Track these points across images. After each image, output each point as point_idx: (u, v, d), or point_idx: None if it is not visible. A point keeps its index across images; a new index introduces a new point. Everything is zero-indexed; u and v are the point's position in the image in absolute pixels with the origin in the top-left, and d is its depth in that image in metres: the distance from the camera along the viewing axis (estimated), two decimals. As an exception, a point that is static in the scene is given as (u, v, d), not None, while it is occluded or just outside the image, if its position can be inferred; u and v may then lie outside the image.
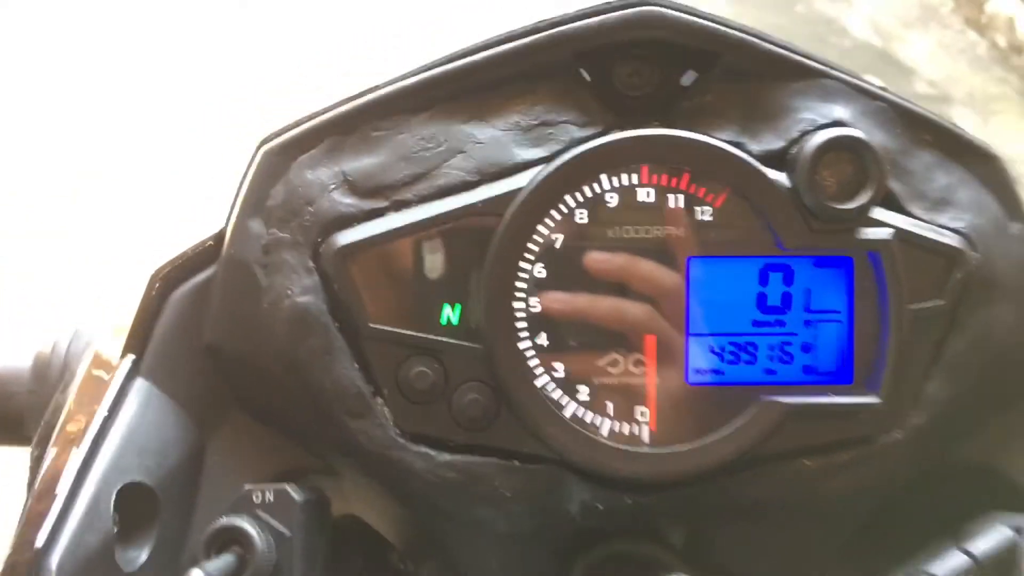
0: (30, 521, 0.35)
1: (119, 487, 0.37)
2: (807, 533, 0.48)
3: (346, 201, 0.41)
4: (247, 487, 0.41)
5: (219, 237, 0.42)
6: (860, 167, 0.42)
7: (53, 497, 0.35)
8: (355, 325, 0.41)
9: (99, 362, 0.41)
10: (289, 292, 0.41)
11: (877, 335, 0.44)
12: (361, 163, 0.41)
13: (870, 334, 0.44)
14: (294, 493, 0.40)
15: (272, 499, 0.40)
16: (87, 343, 0.48)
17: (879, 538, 0.48)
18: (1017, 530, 0.44)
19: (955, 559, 0.44)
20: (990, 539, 0.44)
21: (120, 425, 0.38)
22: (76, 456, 0.36)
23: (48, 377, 0.48)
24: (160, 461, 0.39)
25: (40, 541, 0.35)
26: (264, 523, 0.39)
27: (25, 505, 0.37)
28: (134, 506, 0.38)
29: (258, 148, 0.42)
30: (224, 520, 0.38)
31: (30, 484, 0.41)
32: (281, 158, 0.41)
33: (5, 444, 0.49)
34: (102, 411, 0.38)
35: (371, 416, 0.41)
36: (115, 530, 0.37)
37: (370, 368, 0.41)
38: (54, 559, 0.35)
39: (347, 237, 0.41)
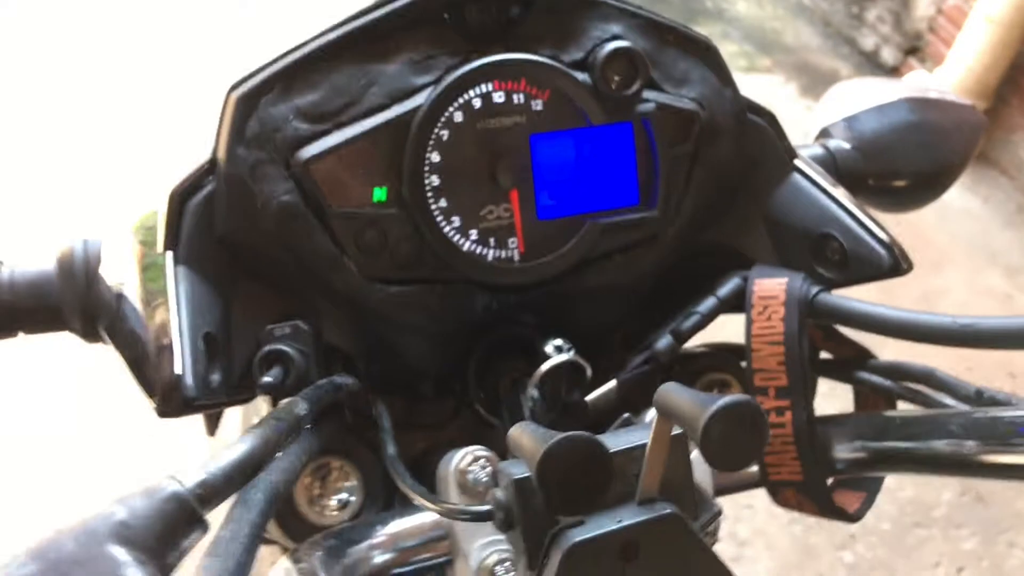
0: (163, 361, 0.52)
1: (202, 334, 0.54)
2: (619, 302, 0.68)
3: (302, 127, 0.56)
4: (269, 327, 0.59)
5: (212, 161, 0.57)
6: (632, 65, 0.61)
7: (170, 345, 0.52)
8: (323, 211, 0.57)
9: (143, 255, 0.57)
10: (274, 194, 0.56)
11: (651, 172, 0.63)
12: (307, 99, 0.56)
13: (647, 172, 0.63)
14: (302, 324, 0.58)
15: (289, 331, 0.58)
16: (96, 246, 0.59)
17: (663, 299, 0.69)
18: (744, 278, 0.66)
19: (709, 301, 0.67)
20: (728, 286, 0.66)
21: (183, 297, 0.55)
22: (174, 318, 0.53)
23: (73, 274, 0.58)
24: (210, 318, 0.57)
25: (177, 369, 0.51)
26: (290, 345, 0.59)
27: (145, 354, 0.54)
28: (207, 347, 0.56)
29: (228, 93, 0.57)
30: (267, 347, 0.57)
31: (119, 339, 0.57)
32: (249, 101, 0.56)
33: (51, 331, 0.60)
34: (171, 288, 0.54)
35: (343, 269, 0.58)
36: (206, 362, 0.55)
37: (336, 237, 0.58)
38: (188, 378, 0.52)
39: (307, 152, 0.56)
